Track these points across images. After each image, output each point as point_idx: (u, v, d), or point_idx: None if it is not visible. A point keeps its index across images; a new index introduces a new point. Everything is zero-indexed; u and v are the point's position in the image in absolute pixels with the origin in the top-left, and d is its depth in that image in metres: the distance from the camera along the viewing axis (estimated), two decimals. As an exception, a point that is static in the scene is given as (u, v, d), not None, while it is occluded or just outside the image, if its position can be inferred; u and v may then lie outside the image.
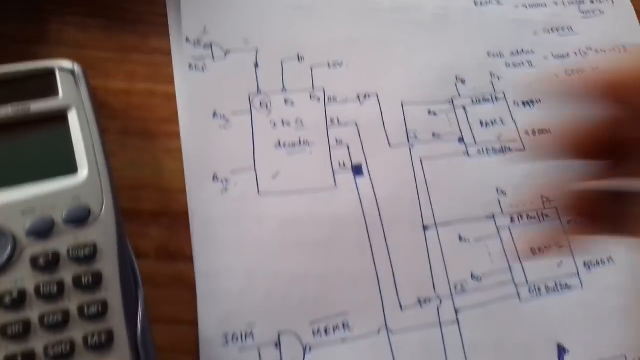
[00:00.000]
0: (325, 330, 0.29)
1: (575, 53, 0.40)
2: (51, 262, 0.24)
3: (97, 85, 0.31)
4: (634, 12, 0.41)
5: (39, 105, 0.26)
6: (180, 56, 0.34)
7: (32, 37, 0.32)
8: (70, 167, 0.25)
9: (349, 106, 0.34)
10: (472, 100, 0.36)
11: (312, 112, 0.34)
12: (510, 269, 0.32)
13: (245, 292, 0.29)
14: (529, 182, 0.34)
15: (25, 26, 0.32)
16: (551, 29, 0.40)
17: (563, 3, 0.42)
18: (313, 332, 0.29)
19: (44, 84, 0.27)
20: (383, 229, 0.31)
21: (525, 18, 0.40)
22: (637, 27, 0.41)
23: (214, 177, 0.31)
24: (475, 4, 0.40)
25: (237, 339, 0.28)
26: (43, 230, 0.24)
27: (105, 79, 0.32)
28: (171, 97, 0.32)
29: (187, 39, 0.34)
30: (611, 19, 0.41)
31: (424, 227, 0.32)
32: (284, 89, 0.34)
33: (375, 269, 0.31)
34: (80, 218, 0.24)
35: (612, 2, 0.42)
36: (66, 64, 0.27)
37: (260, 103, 0.34)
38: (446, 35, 0.38)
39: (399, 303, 0.30)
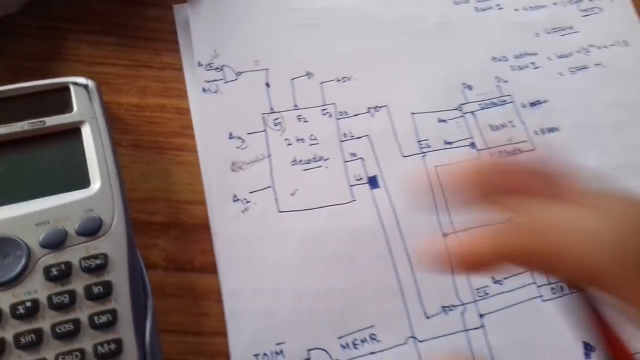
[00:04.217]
0: (354, 344, 0.29)
1: (578, 51, 0.39)
2: (64, 273, 0.24)
3: (110, 101, 0.32)
4: (632, 7, 0.41)
5: (54, 121, 0.27)
6: (194, 80, 0.34)
7: (49, 54, 0.33)
8: (83, 181, 0.26)
9: (361, 120, 0.34)
10: (481, 106, 0.36)
11: (325, 128, 0.34)
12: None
13: (273, 311, 0.29)
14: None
15: (42, 44, 0.34)
16: (553, 30, 0.40)
17: (562, 3, 0.41)
18: (342, 347, 0.28)
19: (59, 99, 0.27)
20: (403, 239, 0.31)
21: (526, 21, 0.40)
22: (636, 22, 0.41)
23: (234, 198, 0.31)
24: (477, 10, 0.40)
25: (267, 358, 0.28)
26: (56, 242, 0.24)
27: (118, 95, 0.33)
28: (182, 112, 0.33)
29: (199, 64, 0.35)
30: (610, 16, 0.41)
31: (444, 235, 0.32)
32: (296, 106, 0.34)
33: (398, 279, 0.30)
34: (92, 230, 0.25)
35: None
36: (80, 80, 0.28)
37: (274, 122, 0.34)
38: (450, 43, 0.38)
39: (424, 312, 0.30)
